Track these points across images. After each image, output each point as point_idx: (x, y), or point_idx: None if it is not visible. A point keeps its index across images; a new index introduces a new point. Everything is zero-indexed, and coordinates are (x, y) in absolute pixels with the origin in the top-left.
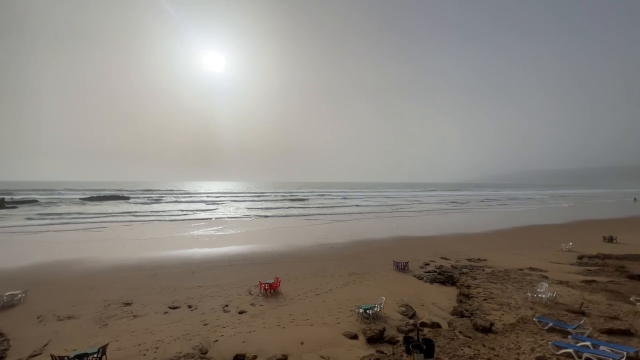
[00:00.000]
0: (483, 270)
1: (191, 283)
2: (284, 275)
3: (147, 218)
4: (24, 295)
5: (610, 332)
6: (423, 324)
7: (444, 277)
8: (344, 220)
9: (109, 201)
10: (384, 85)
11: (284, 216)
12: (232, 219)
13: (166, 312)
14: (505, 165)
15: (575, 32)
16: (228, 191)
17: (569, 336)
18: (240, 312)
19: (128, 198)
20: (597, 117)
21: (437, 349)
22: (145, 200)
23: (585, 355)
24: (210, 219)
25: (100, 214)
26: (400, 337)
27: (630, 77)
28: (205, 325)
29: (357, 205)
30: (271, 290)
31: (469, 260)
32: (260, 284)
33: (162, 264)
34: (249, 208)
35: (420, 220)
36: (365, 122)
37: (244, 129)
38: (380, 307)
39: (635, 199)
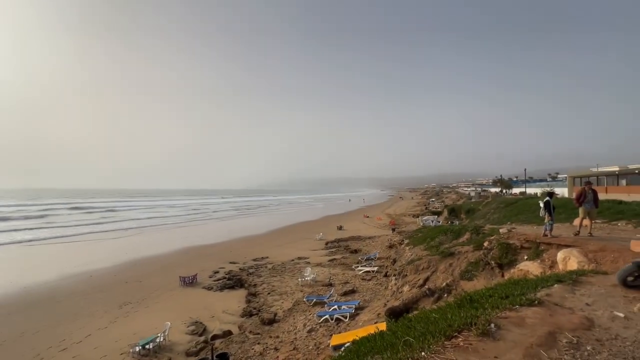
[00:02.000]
0: (266, 267)
1: None
2: None
3: None
4: None
5: (345, 293)
6: (215, 337)
7: (234, 282)
8: (112, 237)
9: None
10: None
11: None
12: None
13: None
14: (290, 173)
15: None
16: None
17: (325, 305)
18: None
19: None
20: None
21: (231, 358)
22: None
23: (335, 315)
24: None
25: None
26: None
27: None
28: None
29: (133, 219)
30: None
31: (254, 260)
32: None
33: None
34: None
35: (208, 227)
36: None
37: None
38: (164, 336)
39: (350, 199)
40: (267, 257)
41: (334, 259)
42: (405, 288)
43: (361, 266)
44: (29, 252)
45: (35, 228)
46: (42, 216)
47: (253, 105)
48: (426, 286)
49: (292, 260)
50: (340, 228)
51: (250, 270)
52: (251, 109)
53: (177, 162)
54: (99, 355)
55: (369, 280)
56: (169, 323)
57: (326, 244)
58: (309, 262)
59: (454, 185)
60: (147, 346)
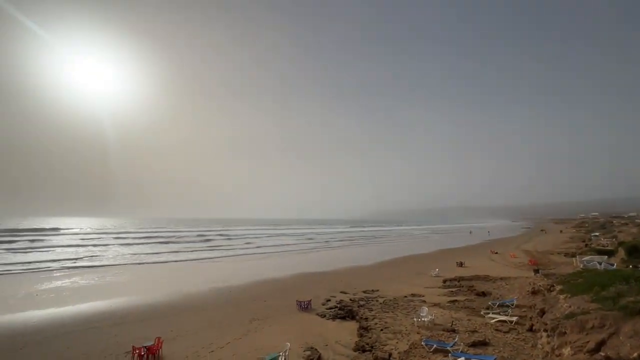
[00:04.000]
0: (377, 301)
1: None
2: (168, 332)
3: None
4: None
5: (474, 344)
6: None
7: (345, 312)
8: (245, 260)
9: None
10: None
11: (174, 261)
12: (99, 267)
13: None
14: (400, 202)
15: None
16: (102, 230)
17: (449, 354)
18: None
19: None
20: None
21: None
22: None
23: None
24: (65, 267)
25: None
26: None
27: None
28: None
29: (260, 246)
30: (149, 356)
31: (364, 292)
32: (134, 349)
33: None
34: (132, 254)
35: (320, 255)
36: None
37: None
38: (284, 356)
39: (471, 231)
40: (378, 290)
41: (456, 300)
42: (566, 351)
43: (493, 313)
44: (187, 266)
45: (196, 250)
46: (198, 241)
47: (365, 135)
48: (602, 353)
49: (405, 296)
50: (460, 264)
51: (361, 303)
52: (363, 139)
53: (291, 192)
54: None
55: (506, 332)
56: (289, 344)
57: (444, 281)
58: (424, 301)
59: (633, 214)
60: None
